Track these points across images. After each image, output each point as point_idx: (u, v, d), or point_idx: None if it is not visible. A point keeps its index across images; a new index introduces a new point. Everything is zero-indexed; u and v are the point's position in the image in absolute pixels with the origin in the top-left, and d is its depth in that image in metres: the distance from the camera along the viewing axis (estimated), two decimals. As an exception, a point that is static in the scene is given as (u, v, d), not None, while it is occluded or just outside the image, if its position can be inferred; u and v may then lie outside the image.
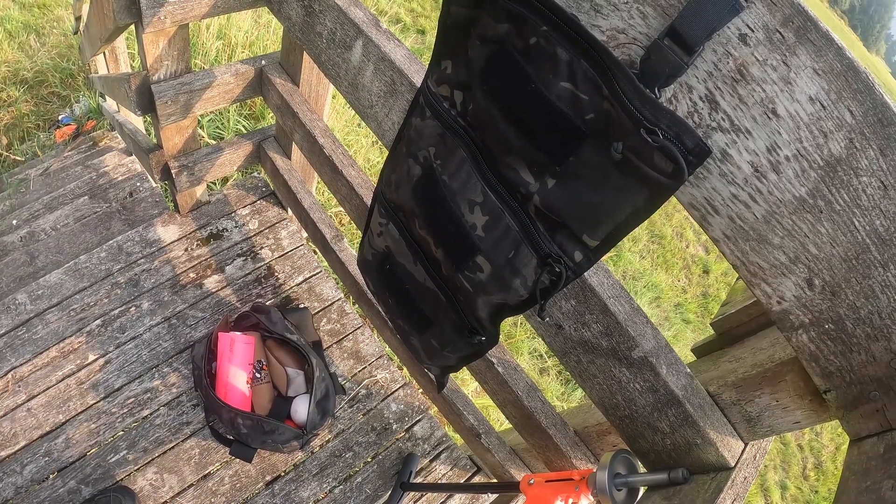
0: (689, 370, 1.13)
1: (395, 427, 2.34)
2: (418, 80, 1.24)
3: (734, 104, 0.77)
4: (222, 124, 4.20)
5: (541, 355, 4.42)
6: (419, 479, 2.24)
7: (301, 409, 2.06)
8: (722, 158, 0.81)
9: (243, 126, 4.26)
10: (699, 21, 0.72)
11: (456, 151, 0.97)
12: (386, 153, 4.10)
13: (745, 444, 1.14)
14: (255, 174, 2.87)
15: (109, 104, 4.34)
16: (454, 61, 0.94)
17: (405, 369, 2.94)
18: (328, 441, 2.27)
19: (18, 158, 4.58)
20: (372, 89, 1.40)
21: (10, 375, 2.19)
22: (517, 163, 0.88)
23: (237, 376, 2.06)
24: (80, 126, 4.65)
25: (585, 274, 1.04)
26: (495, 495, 2.20)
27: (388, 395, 2.40)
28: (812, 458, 5.92)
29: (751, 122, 0.77)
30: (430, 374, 1.45)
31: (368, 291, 2.06)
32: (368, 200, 1.70)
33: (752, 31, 0.72)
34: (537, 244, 0.91)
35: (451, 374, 1.62)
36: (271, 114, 4.08)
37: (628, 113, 0.73)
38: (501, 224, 0.93)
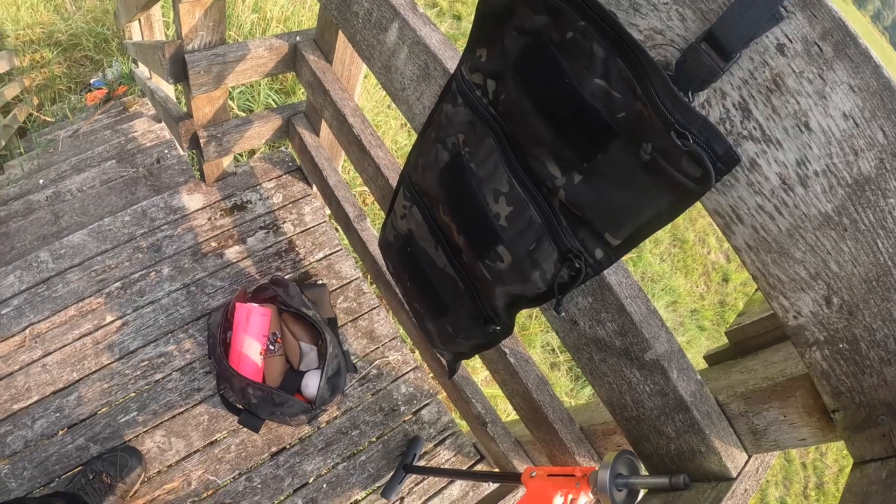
0: (699, 377, 1.13)
1: (402, 409, 2.36)
2: (452, 66, 1.24)
3: (767, 114, 0.77)
4: (252, 97, 4.22)
5: (553, 350, 4.41)
6: (422, 463, 2.25)
7: (312, 383, 2.08)
8: (750, 168, 0.81)
9: (273, 100, 4.27)
10: (738, 27, 0.71)
11: (485, 140, 0.97)
12: (414, 136, 4.10)
13: (749, 457, 1.14)
14: (283, 149, 2.88)
15: (142, 70, 4.37)
16: (489, 50, 0.94)
17: (417, 352, 2.95)
18: (336, 418, 2.29)
19: (49, 119, 4.63)
20: (405, 72, 1.40)
21: (27, 331, 2.23)
22: (545, 156, 0.88)
23: (251, 347, 2.09)
24: (111, 91, 4.71)
25: (604, 272, 1.03)
26: (496, 484, 2.20)
27: (399, 377, 2.42)
28: (814, 477, 5.87)
29: (782, 133, 0.76)
30: (442, 359, 1.45)
31: (387, 272, 2.07)
32: (394, 182, 1.71)
33: (791, 41, 0.72)
34: (559, 238, 0.91)
35: (462, 362, 1.63)
36: (302, 90, 4.10)
37: (660, 115, 0.73)
38: (525, 216, 0.93)
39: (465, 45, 0.99)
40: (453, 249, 1.15)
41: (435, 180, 1.10)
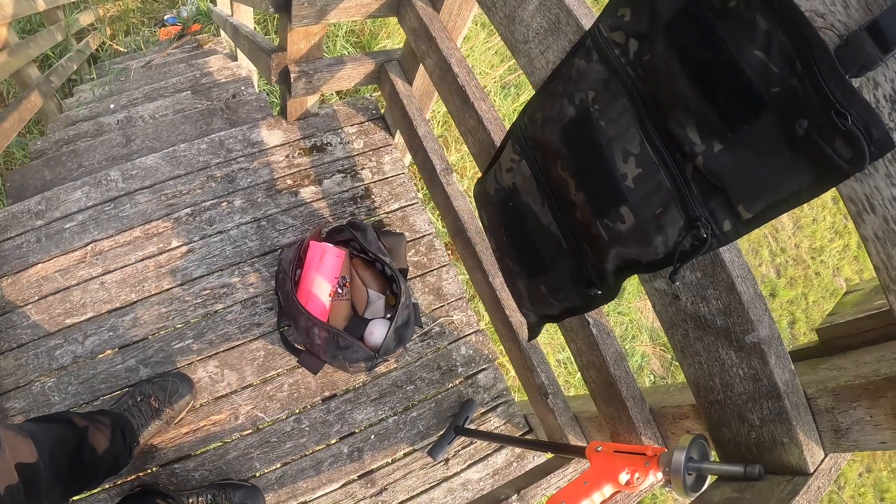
0: (793, 367, 1.15)
1: (460, 370, 2.40)
2: (586, 23, 1.25)
3: (916, 110, 0.79)
4: (327, 48, 4.25)
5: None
6: (472, 427, 2.29)
7: (377, 331, 2.13)
8: (892, 159, 0.83)
9: (348, 53, 4.30)
10: None
11: (618, 99, 1.01)
12: (493, 104, 4.08)
13: (825, 455, 1.16)
14: (367, 96, 2.92)
15: (221, 8, 4.46)
16: (634, 9, 0.98)
17: (483, 315, 2.99)
18: (392, 370, 2.34)
19: (121, 49, 4.78)
20: (531, 25, 1.41)
21: (89, 247, 2.30)
22: (686, 121, 0.91)
23: (321, 287, 2.12)
24: (185, 27, 4.86)
25: (719, 249, 1.06)
26: (541, 459, 2.22)
27: (460, 338, 2.46)
28: (827, 510, 5.81)
29: (927, 130, 0.79)
30: (526, 320, 1.48)
31: (467, 229, 2.10)
32: (496, 137, 1.74)
33: (951, 43, 0.74)
34: (688, 206, 0.94)
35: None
36: (380, 44, 4.13)
37: (820, 93, 0.76)
38: (654, 179, 0.97)
39: (606, 4, 1.03)
40: (563, 207, 1.18)
41: (557, 134, 1.14)
